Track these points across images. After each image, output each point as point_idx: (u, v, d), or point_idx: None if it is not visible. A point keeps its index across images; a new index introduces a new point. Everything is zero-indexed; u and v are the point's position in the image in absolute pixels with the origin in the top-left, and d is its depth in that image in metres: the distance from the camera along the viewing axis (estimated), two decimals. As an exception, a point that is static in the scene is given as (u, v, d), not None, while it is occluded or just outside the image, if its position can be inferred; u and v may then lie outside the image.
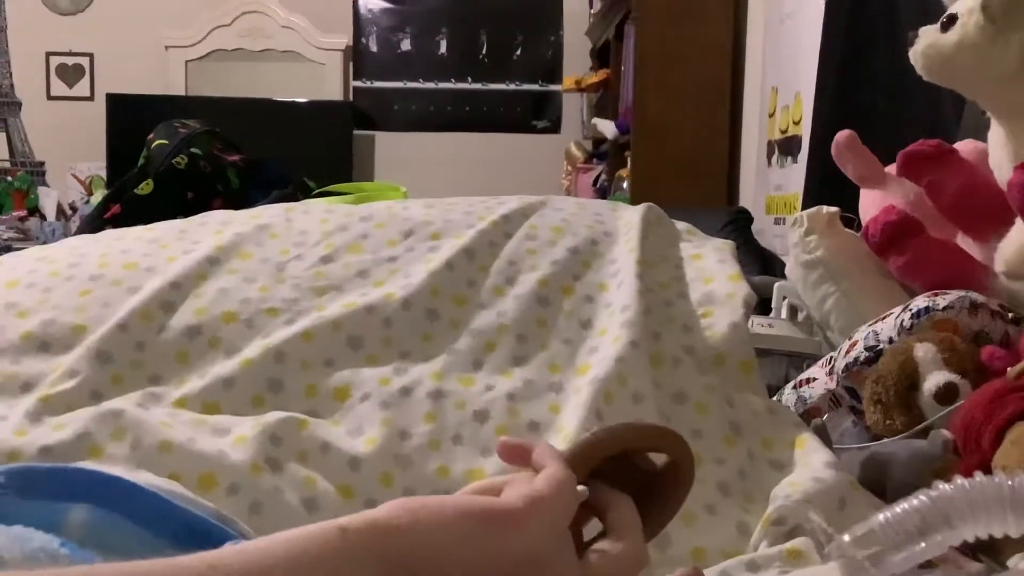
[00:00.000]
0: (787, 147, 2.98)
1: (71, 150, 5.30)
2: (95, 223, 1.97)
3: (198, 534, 0.54)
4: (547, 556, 0.50)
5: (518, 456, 0.57)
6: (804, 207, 1.90)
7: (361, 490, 0.87)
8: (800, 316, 1.46)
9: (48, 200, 5.22)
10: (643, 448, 0.60)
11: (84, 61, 5.38)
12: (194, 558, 0.41)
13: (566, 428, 0.91)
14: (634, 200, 3.13)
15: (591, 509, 0.56)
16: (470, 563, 0.47)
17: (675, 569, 0.58)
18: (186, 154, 2.02)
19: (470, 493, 0.54)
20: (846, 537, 0.53)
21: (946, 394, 0.99)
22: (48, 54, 5.37)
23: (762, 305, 1.42)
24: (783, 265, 1.62)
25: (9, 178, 5.23)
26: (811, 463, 0.91)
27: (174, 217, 1.26)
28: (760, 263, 2.50)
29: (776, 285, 1.51)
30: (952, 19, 1.17)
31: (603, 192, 4.28)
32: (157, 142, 2.09)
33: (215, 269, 1.08)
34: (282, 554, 0.43)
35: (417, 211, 1.20)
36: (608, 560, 0.52)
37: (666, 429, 0.61)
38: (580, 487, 0.54)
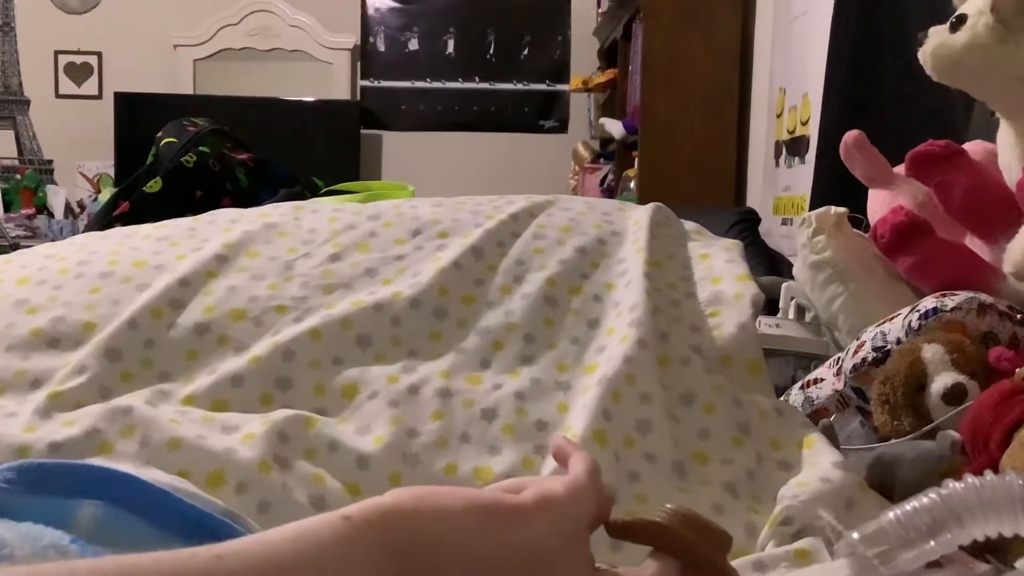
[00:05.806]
0: (795, 147, 2.97)
1: (79, 148, 5.32)
2: (104, 221, 1.97)
3: (207, 531, 0.54)
4: (554, 554, 0.50)
5: (561, 457, 0.59)
6: (812, 207, 1.89)
7: (369, 488, 0.87)
8: (808, 317, 1.46)
9: (56, 198, 5.24)
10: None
11: (92, 60, 5.39)
12: (201, 550, 0.41)
13: (574, 427, 0.91)
14: (641, 200, 3.13)
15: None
16: (472, 551, 0.48)
17: None
18: (195, 152, 2.02)
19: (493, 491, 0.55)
20: (856, 535, 0.53)
21: (954, 395, 0.99)
22: (57, 52, 5.38)
23: (770, 305, 1.42)
24: (790, 266, 1.62)
25: (18, 176, 5.25)
26: (819, 463, 0.91)
27: (183, 215, 1.26)
28: (767, 263, 2.49)
29: (784, 285, 1.51)
30: (961, 19, 1.17)
31: (610, 192, 4.28)
32: (166, 140, 2.09)
33: (224, 267, 1.08)
34: (288, 544, 0.43)
35: (425, 210, 1.21)
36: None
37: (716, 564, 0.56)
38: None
